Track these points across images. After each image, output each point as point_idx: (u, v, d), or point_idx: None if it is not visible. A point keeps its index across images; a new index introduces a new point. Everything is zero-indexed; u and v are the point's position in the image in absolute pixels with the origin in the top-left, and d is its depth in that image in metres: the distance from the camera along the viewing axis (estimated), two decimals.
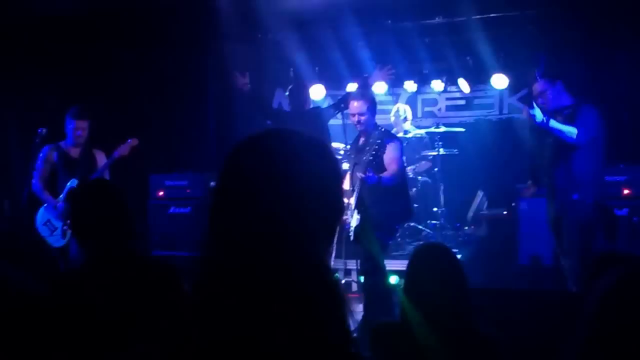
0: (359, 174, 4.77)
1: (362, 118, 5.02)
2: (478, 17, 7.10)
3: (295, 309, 1.06)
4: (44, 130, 5.66)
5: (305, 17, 7.16)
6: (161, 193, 7.28)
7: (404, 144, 5.99)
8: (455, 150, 7.87)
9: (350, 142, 5.59)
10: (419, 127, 8.28)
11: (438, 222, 7.59)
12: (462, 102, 8.83)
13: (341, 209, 1.23)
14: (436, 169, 7.80)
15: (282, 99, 8.46)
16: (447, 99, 8.93)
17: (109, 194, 2.49)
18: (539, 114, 4.62)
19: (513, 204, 6.53)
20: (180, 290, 2.25)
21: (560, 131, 4.70)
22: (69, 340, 2.12)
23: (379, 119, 5.49)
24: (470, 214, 7.77)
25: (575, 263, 4.78)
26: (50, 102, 6.97)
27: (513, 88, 8.00)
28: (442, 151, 7.65)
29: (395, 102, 8.68)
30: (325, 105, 7.12)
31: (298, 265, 1.10)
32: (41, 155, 5.64)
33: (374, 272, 4.85)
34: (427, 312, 2.34)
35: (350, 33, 7.44)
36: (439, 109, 9.03)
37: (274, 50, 7.93)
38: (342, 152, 6.61)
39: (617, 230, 5.67)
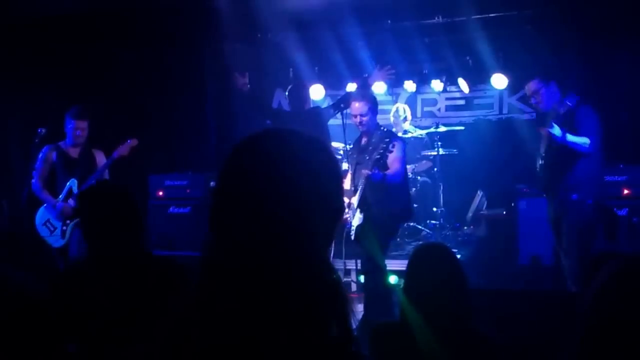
0: (365, 171, 4.77)
1: (364, 119, 5.02)
2: (477, 17, 7.10)
3: (296, 308, 1.07)
4: (44, 130, 5.68)
5: (305, 17, 7.16)
6: (161, 193, 7.29)
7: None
8: (455, 150, 7.87)
9: (350, 142, 5.59)
10: (418, 127, 8.28)
11: (437, 222, 7.59)
12: (462, 102, 8.82)
13: (341, 208, 1.23)
14: (436, 169, 7.79)
15: (281, 99, 8.46)
16: (447, 98, 8.91)
17: (121, 194, 2.53)
18: (557, 131, 4.68)
19: (512, 204, 6.53)
20: (184, 290, 2.26)
21: (574, 143, 4.74)
22: (69, 340, 2.12)
23: (379, 119, 5.50)
24: (470, 214, 7.76)
25: (575, 263, 4.79)
26: (50, 102, 6.97)
27: (512, 88, 8.00)
28: (441, 151, 7.64)
29: (395, 102, 8.67)
30: (325, 105, 7.12)
31: (298, 264, 1.10)
32: (41, 155, 5.65)
33: (374, 272, 4.85)
34: (426, 312, 2.34)
35: (350, 33, 7.44)
36: (439, 109, 9.02)
37: (273, 51, 7.92)
38: (342, 152, 6.60)
39: (617, 230, 5.68)
